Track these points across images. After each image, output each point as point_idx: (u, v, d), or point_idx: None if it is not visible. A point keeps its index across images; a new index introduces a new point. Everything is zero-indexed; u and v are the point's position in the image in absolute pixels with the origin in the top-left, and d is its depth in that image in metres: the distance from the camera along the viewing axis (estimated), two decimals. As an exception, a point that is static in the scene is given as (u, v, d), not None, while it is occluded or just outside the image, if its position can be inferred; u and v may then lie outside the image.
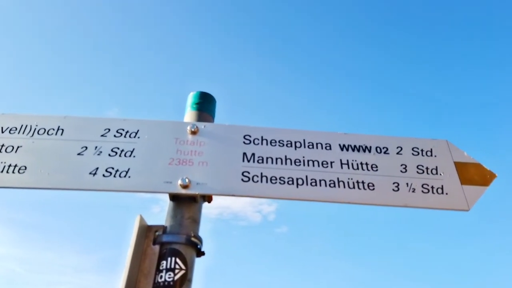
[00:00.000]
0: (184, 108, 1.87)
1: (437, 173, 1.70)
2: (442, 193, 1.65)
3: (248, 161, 1.64)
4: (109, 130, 1.68)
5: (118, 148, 1.61)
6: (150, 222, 1.49)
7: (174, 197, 1.53)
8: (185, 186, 1.50)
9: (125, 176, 1.52)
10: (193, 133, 1.68)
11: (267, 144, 1.71)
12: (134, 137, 1.66)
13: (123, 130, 1.68)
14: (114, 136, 1.66)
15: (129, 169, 1.54)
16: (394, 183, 1.65)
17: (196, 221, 1.52)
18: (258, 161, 1.65)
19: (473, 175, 1.71)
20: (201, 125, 1.72)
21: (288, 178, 1.61)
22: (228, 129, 1.74)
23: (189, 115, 1.80)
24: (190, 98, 1.85)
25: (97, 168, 1.54)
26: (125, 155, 1.59)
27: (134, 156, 1.59)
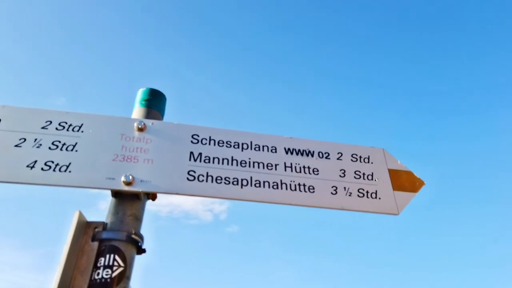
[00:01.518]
0: (133, 105, 1.85)
1: (372, 179, 1.82)
2: (376, 197, 1.77)
3: (195, 160, 1.66)
4: (50, 122, 1.62)
5: (60, 142, 1.57)
6: (95, 218, 1.46)
7: (116, 194, 1.52)
8: (128, 183, 1.49)
9: (65, 171, 1.49)
10: (140, 130, 1.67)
11: (214, 144, 1.74)
12: (78, 131, 1.62)
13: (66, 123, 1.63)
14: (56, 129, 1.61)
15: (70, 163, 1.51)
16: (333, 186, 1.75)
17: (138, 219, 1.51)
18: (204, 161, 1.67)
19: (404, 182, 1.85)
20: (149, 122, 1.71)
21: (233, 178, 1.65)
22: (176, 128, 1.75)
23: (137, 112, 1.79)
24: (139, 95, 1.83)
25: (35, 161, 1.49)
26: (66, 149, 1.55)
27: (76, 151, 1.55)
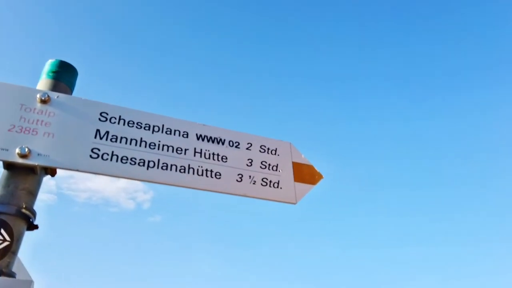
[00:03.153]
0: (40, 75, 1.76)
1: (277, 170, 1.95)
2: (278, 187, 1.89)
3: (101, 138, 1.64)
4: None
5: None
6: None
7: (9, 166, 1.44)
8: (23, 156, 1.43)
9: (-50, 137, 1.37)
10: (43, 102, 1.60)
11: (124, 124, 1.73)
12: (-30, 96, 1.50)
13: (-44, 86, 1.50)
14: None
15: (-44, 130, 1.40)
16: (238, 174, 1.84)
17: (32, 194, 1.46)
18: (111, 140, 1.65)
19: (305, 174, 2.00)
20: (54, 95, 1.64)
21: (140, 159, 1.66)
22: (84, 104, 1.70)
23: (43, 83, 1.70)
24: (47, 66, 1.75)
25: None
26: (-47, 114, 1.43)
27: (-35, 117, 1.44)
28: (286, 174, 1.96)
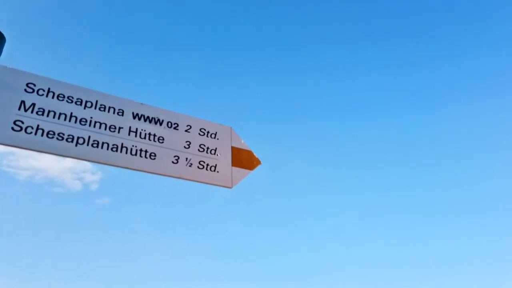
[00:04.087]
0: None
1: (215, 154, 1.95)
2: (214, 171, 1.90)
3: (26, 110, 1.54)
4: None
5: None
6: None
7: None
8: None
9: None
10: (-40, 67, 1.47)
11: (53, 97, 1.64)
12: None
13: None
14: None
15: None
16: (175, 156, 1.82)
17: None
18: (37, 113, 1.56)
19: (243, 159, 2.02)
20: (-26, 60, 1.52)
21: (68, 135, 1.59)
22: (9, 73, 1.59)
23: (-38, 47, 1.57)
24: (-32, 28, 1.61)
25: None
26: None
27: None
28: (224, 158, 1.96)
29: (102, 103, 1.75)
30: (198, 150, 1.91)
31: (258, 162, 2.05)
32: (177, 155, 1.83)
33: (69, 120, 1.63)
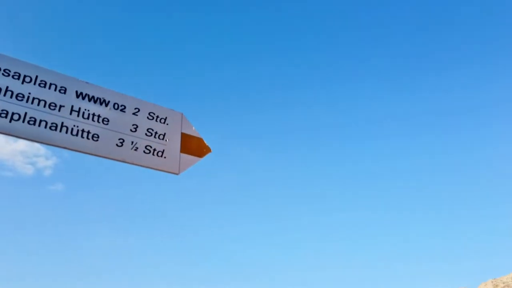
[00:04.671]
0: None
1: (163, 139, 1.90)
2: (162, 156, 1.85)
3: (-47, 80, 1.43)
4: None
5: None
6: None
7: None
8: None
9: None
10: None
11: (-14, 69, 1.53)
12: None
13: None
14: None
15: None
16: (119, 139, 1.76)
17: None
18: (-33, 84, 1.45)
19: (193, 147, 1.99)
20: None
21: (2, 110, 1.49)
22: None
23: None
24: None
25: None
26: None
27: None
28: (172, 144, 1.92)
29: (43, 79, 1.66)
30: (146, 134, 1.86)
31: (208, 150, 2.03)
32: (122, 138, 1.77)
33: (4, 95, 1.53)
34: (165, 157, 1.86)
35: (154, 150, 1.85)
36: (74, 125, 1.65)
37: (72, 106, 1.69)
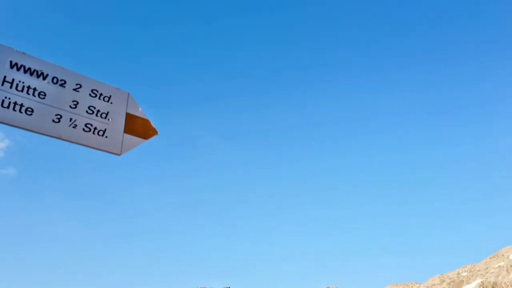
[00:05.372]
0: None
1: (106, 118, 1.83)
2: (103, 135, 1.78)
3: None
4: None
5: None
6: None
7: None
8: None
9: None
10: None
11: None
12: None
13: None
14: None
15: None
16: (56, 115, 1.67)
17: None
18: None
19: (138, 128, 1.93)
20: None
21: None
22: None
23: None
24: None
25: None
26: None
27: None
28: (116, 124, 1.85)
29: (-29, 45, 1.54)
30: (87, 111, 1.77)
31: (154, 132, 1.97)
32: (59, 113, 1.68)
33: None
34: (106, 137, 1.79)
35: (95, 128, 1.77)
36: (6, 97, 1.55)
37: (5, 77, 1.58)
